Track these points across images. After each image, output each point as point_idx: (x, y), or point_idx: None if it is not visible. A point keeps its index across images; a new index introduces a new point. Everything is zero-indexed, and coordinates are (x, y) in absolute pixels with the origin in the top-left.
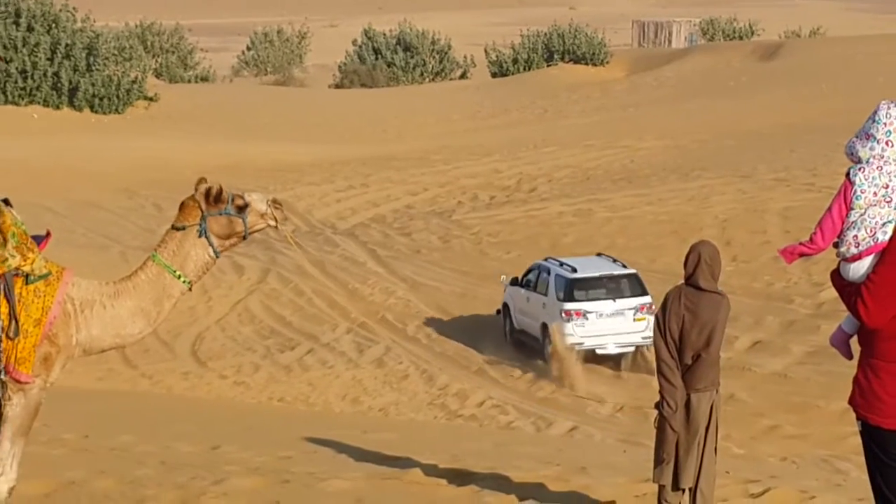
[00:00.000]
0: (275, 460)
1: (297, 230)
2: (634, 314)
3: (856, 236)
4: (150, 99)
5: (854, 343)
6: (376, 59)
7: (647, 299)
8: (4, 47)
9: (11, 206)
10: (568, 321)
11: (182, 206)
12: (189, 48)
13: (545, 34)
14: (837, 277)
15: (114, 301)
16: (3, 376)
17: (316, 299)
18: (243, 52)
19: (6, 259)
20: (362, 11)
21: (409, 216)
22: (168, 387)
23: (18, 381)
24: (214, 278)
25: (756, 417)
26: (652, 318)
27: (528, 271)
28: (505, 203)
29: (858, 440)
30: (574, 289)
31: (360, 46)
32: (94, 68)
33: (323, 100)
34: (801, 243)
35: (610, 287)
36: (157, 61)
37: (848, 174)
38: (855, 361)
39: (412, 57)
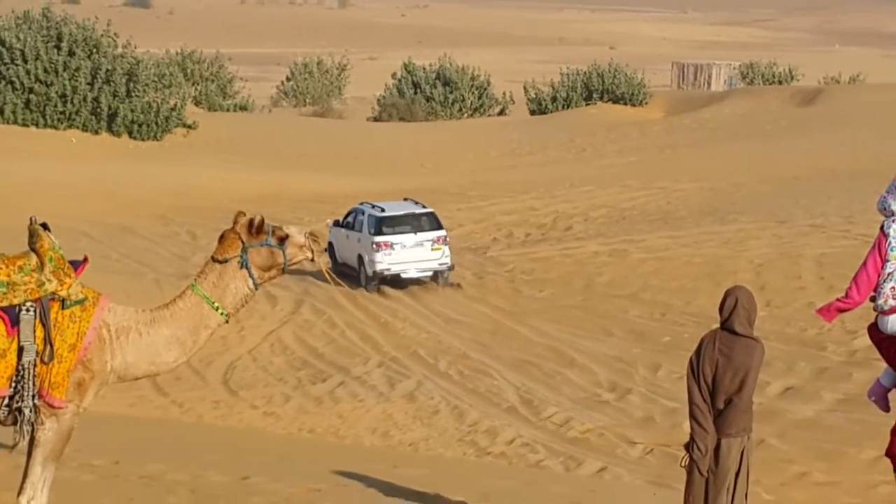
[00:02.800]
0: (304, 492)
1: (330, 263)
2: (432, 245)
3: (893, 288)
4: (189, 126)
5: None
6: (415, 93)
7: (442, 233)
8: (45, 71)
9: (49, 230)
10: (378, 251)
11: (222, 238)
12: (229, 77)
13: (585, 73)
14: (875, 331)
15: (150, 328)
16: (36, 401)
17: (348, 332)
18: (283, 83)
19: (43, 283)
20: (402, 45)
21: None
22: (199, 415)
23: (52, 406)
24: (248, 308)
25: (786, 464)
26: (447, 249)
27: (348, 214)
28: (540, 241)
29: (890, 489)
30: (382, 225)
31: (400, 80)
32: (133, 94)
33: (361, 132)
34: (837, 300)
35: (412, 223)
36: (196, 89)
37: (882, 227)
38: (890, 413)
39: (451, 92)
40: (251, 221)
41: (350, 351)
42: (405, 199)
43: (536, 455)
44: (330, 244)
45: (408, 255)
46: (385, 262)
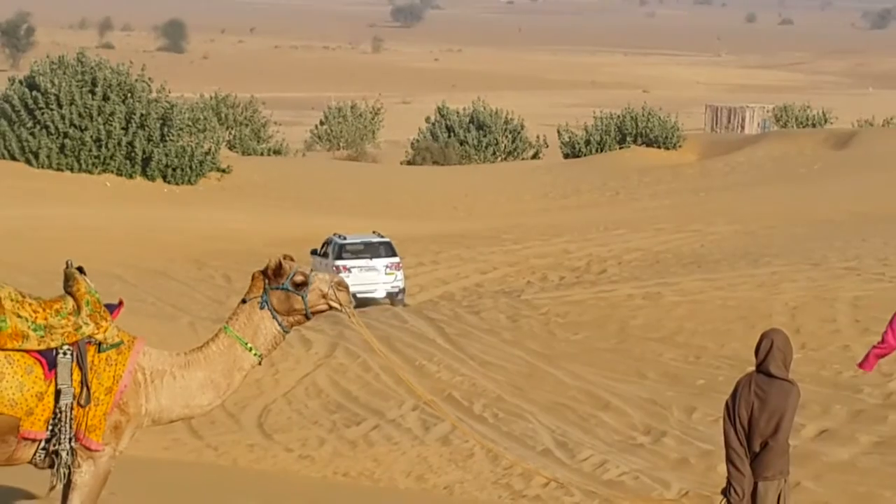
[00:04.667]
0: None
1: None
2: (386, 269)
3: None
4: (223, 171)
5: None
6: (449, 136)
7: (396, 259)
8: (80, 115)
9: (85, 273)
10: (338, 273)
11: (252, 278)
12: (263, 121)
13: (618, 116)
14: None
15: (184, 372)
16: (73, 443)
17: (383, 375)
18: (316, 127)
19: (80, 327)
20: (436, 89)
21: (477, 294)
22: (233, 458)
23: (88, 449)
24: (282, 351)
25: None
26: (399, 274)
27: (324, 245)
28: (574, 284)
29: None
30: (343, 251)
31: (434, 123)
32: (167, 139)
33: (395, 176)
34: (874, 347)
35: (369, 250)
36: (230, 133)
37: None
38: None
39: (485, 135)
40: (269, 264)
41: (384, 394)
42: (373, 233)
43: (572, 498)
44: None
45: (364, 277)
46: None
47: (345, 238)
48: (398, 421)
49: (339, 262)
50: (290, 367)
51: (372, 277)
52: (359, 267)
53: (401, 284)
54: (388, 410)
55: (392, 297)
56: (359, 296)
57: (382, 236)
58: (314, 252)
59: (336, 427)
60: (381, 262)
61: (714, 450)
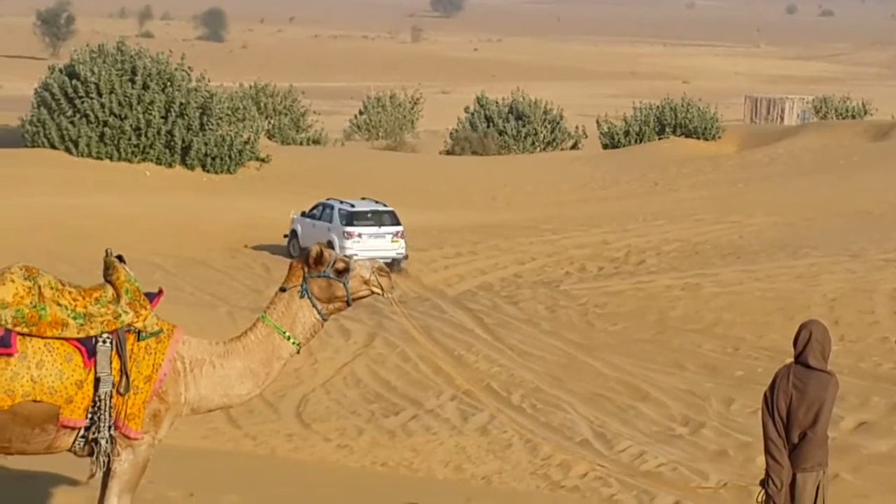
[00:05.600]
0: None
1: (403, 296)
2: (391, 238)
3: None
4: (262, 160)
5: None
6: (488, 126)
7: (400, 228)
8: (120, 104)
9: (125, 262)
10: (348, 239)
11: (290, 267)
12: (302, 110)
13: (658, 107)
14: None
15: (223, 361)
16: (112, 432)
17: (421, 365)
18: (355, 116)
19: (119, 315)
20: (475, 79)
21: (516, 285)
22: (272, 448)
23: (128, 437)
24: (321, 341)
25: (860, 499)
26: (402, 241)
27: (314, 208)
28: (613, 275)
29: None
30: (353, 218)
31: (473, 114)
32: (207, 128)
33: (433, 166)
34: None
35: (375, 218)
36: (269, 123)
37: None
38: None
39: (524, 126)
40: (309, 252)
41: (423, 384)
42: (363, 199)
43: (609, 489)
44: (293, 231)
45: (373, 244)
46: (353, 248)
47: (353, 205)
48: (436, 411)
49: (351, 229)
50: (329, 357)
51: (380, 244)
52: (368, 234)
53: (403, 251)
54: (427, 400)
55: (397, 263)
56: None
57: (384, 204)
58: (303, 214)
59: (374, 417)
60: (387, 230)
61: (752, 441)
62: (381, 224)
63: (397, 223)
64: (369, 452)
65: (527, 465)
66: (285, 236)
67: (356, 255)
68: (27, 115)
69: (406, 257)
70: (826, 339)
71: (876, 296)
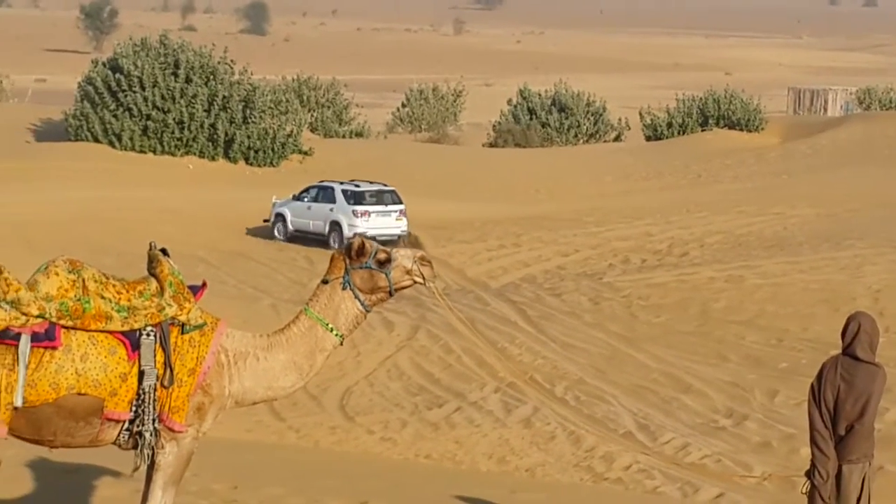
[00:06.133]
0: None
1: (447, 288)
2: (396, 216)
3: None
4: (305, 153)
5: None
6: (531, 119)
7: (402, 207)
8: (163, 98)
9: (169, 255)
10: (358, 217)
11: (331, 259)
12: (344, 103)
13: (700, 99)
14: None
15: (267, 354)
16: (156, 424)
17: (465, 357)
18: (398, 109)
19: (163, 308)
20: (518, 71)
21: (559, 277)
22: (315, 440)
23: (172, 430)
24: (364, 333)
25: None
26: (405, 220)
27: (305, 190)
28: (656, 267)
29: None
30: (360, 198)
31: (515, 106)
32: (250, 121)
33: (476, 158)
34: None
35: (380, 198)
36: (312, 115)
37: None
38: None
39: (567, 118)
40: (350, 244)
41: (466, 377)
42: (350, 181)
43: (653, 481)
44: (279, 215)
45: (381, 222)
46: (363, 226)
47: (357, 185)
48: (480, 403)
49: (359, 208)
50: (372, 350)
51: (387, 222)
52: (376, 212)
53: (406, 229)
54: (470, 393)
55: (402, 240)
56: (378, 238)
57: (385, 184)
58: (295, 197)
59: (418, 409)
60: (392, 209)
61: (796, 433)
62: (385, 203)
63: (400, 202)
64: (413, 445)
65: (570, 457)
66: (265, 221)
67: (365, 231)
68: (71, 109)
69: (409, 234)
70: (875, 331)
71: None
